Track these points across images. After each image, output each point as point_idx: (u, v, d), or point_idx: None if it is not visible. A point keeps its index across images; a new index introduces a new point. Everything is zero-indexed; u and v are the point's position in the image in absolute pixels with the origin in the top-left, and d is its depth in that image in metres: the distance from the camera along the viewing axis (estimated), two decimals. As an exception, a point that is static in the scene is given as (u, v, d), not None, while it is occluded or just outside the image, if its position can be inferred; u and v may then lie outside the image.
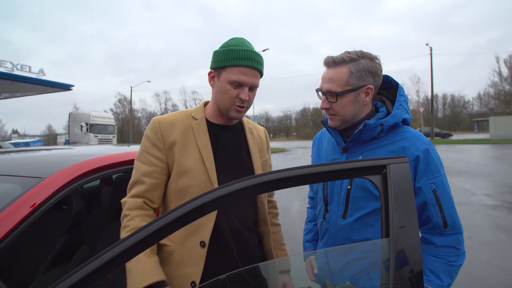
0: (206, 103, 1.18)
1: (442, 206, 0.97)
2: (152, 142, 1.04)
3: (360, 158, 1.05)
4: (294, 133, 70.25)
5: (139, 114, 61.89)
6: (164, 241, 1.06)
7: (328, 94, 1.05)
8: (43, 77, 16.86)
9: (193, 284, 1.00)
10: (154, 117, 1.08)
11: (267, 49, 27.27)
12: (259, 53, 1.07)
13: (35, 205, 0.91)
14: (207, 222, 1.02)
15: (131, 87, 36.26)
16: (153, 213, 1.04)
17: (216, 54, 1.07)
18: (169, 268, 1.02)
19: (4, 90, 16.24)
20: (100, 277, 0.52)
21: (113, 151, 1.45)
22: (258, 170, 1.14)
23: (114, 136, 22.57)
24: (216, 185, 1.03)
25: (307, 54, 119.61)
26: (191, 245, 1.02)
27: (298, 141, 51.82)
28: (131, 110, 43.59)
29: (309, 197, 1.45)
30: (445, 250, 0.98)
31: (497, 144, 20.97)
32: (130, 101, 39.91)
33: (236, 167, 1.11)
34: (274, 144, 38.56)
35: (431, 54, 27.64)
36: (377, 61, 1.06)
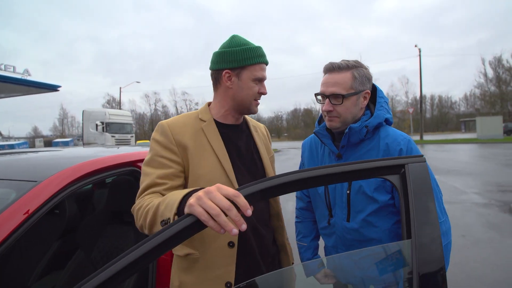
0: (209, 104, 1.17)
1: None
2: (165, 146, 1.01)
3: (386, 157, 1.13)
4: (285, 134, 70.56)
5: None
6: (186, 250, 1.03)
7: (332, 97, 1.12)
8: (28, 78, 16.50)
9: (228, 285, 1.00)
10: (160, 121, 1.07)
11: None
12: None
13: (29, 212, 0.86)
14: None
15: (120, 88, 35.82)
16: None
17: (232, 54, 1.06)
18: (196, 274, 1.01)
19: (-12, 91, 15.83)
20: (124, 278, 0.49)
21: (108, 153, 1.40)
22: (268, 167, 1.17)
23: (132, 136, 20.45)
24: (236, 186, 1.02)
25: (299, 55, 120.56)
26: (218, 247, 1.01)
27: (289, 141, 52.05)
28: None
29: (297, 208, 1.44)
30: None
31: (484, 144, 21.47)
32: (119, 102, 39.40)
33: (249, 166, 1.13)
34: (266, 145, 38.46)
35: (420, 55, 28.17)
36: (367, 70, 1.18)
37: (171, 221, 0.70)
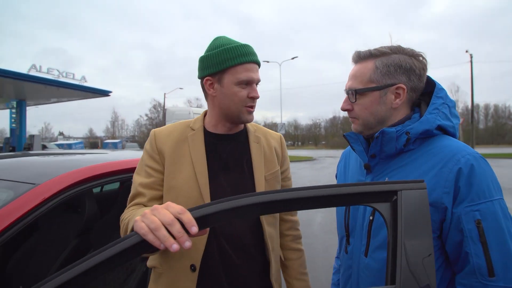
0: (205, 113, 1.09)
1: (488, 244, 0.71)
2: (149, 154, 1.00)
3: (386, 179, 0.86)
4: (323, 142, 68.84)
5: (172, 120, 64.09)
6: (152, 261, 0.98)
7: (349, 93, 0.90)
8: (85, 84, 18.15)
9: None
10: (152, 129, 1.04)
11: (296, 57, 27.19)
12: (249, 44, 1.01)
13: (22, 213, 0.88)
14: (198, 242, 0.92)
15: (164, 93, 37.76)
16: None
17: (209, 58, 0.98)
18: None
19: (52, 95, 17.70)
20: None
21: (114, 158, 1.42)
22: (260, 185, 1.01)
23: None
24: (208, 201, 0.94)
25: (339, 61, 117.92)
26: (180, 268, 0.93)
27: (327, 150, 50.71)
28: (164, 116, 45.33)
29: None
30: None
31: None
32: (163, 107, 41.51)
33: (234, 181, 1.00)
34: (302, 153, 38.04)
35: (471, 61, 25.92)
36: (420, 58, 0.87)
37: None
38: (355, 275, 0.91)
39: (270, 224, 1.03)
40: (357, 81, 0.89)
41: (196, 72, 1.05)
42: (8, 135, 19.10)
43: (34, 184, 1.00)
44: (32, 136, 17.59)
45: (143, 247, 0.51)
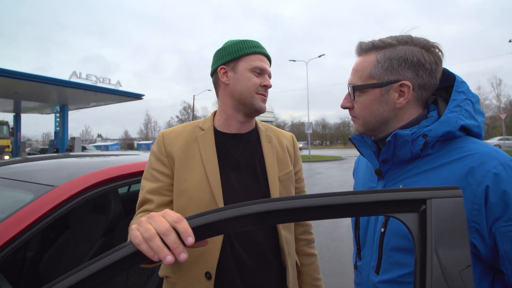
0: (215, 113, 1.07)
1: None
2: (157, 157, 0.96)
3: (400, 187, 0.75)
4: (353, 141, 66.75)
5: (201, 121, 65.61)
6: (164, 271, 0.96)
7: (349, 89, 0.81)
8: (120, 88, 19.13)
9: None
10: (160, 131, 1.01)
11: (323, 54, 26.62)
12: None
13: (40, 214, 0.90)
14: (212, 248, 0.89)
15: (194, 95, 38.76)
16: None
17: (225, 49, 1.01)
18: None
19: (91, 99, 18.89)
20: None
21: (132, 160, 1.43)
22: (274, 186, 0.97)
23: None
24: (220, 204, 0.90)
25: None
26: (195, 276, 0.89)
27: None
28: (194, 117, 46.51)
29: None
30: None
31: None
32: (193, 109, 42.63)
33: (247, 182, 0.96)
34: (330, 152, 37.21)
35: (519, 52, 23.76)
36: (434, 49, 0.75)
37: None
38: None
39: (285, 228, 0.99)
40: (357, 76, 0.79)
41: None
42: (53, 137, 20.62)
43: (52, 186, 1.02)
44: (73, 139, 18.85)
45: (139, 257, 0.48)
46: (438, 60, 0.75)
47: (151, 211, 0.88)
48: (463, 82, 0.77)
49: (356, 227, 0.87)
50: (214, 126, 1.02)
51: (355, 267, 0.87)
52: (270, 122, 19.11)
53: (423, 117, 0.77)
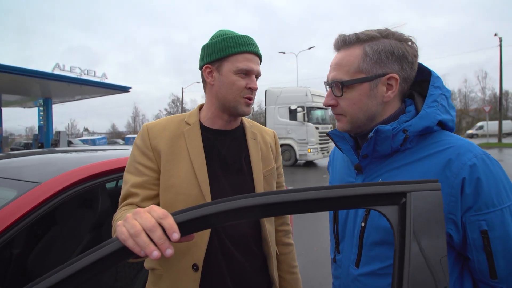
0: (201, 106, 1.06)
1: (493, 254, 0.66)
2: (141, 151, 0.94)
3: (380, 181, 0.76)
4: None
5: (189, 114, 64.95)
6: (151, 263, 0.96)
7: (333, 85, 0.78)
8: (106, 81, 18.69)
9: None
10: (144, 124, 0.99)
11: (313, 47, 26.64)
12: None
13: (25, 211, 0.88)
14: (200, 241, 0.90)
15: (182, 88, 38.33)
16: None
17: (210, 46, 0.97)
18: None
19: (75, 92, 18.38)
20: None
21: (119, 155, 1.41)
22: (259, 182, 1.00)
23: (330, 127, 13.16)
24: (209, 199, 0.91)
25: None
26: (182, 268, 0.90)
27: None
28: (183, 110, 46.01)
29: None
30: None
31: None
32: (181, 102, 42.17)
33: (233, 178, 0.98)
34: (320, 145, 37.37)
35: (500, 45, 24.36)
36: (410, 43, 0.77)
37: None
38: (344, 287, 0.83)
39: (268, 221, 1.03)
40: (343, 71, 0.76)
41: None
42: (37, 132, 20.06)
43: (37, 182, 1.00)
44: (58, 133, 18.37)
45: (125, 253, 0.48)
46: (415, 52, 0.77)
47: (136, 205, 0.89)
48: (438, 77, 0.79)
49: (335, 221, 0.88)
50: (200, 121, 1.01)
51: (334, 260, 0.89)
52: (326, 110, 12.86)
53: (401, 112, 0.79)
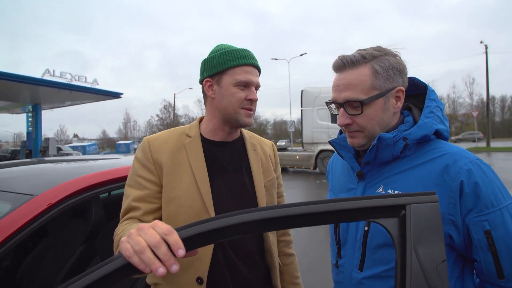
0: (201, 119, 1.07)
1: (498, 253, 0.70)
2: (142, 164, 0.94)
3: (381, 187, 0.82)
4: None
5: (182, 120, 64.88)
6: (154, 279, 0.95)
7: (348, 105, 0.81)
8: (97, 86, 18.49)
9: None
10: (145, 137, 0.99)
11: (305, 53, 26.96)
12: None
13: (20, 225, 0.87)
14: (204, 254, 0.90)
15: (174, 94, 38.16)
16: None
17: (210, 60, 0.99)
18: None
19: (65, 98, 18.12)
20: None
21: (112, 165, 1.40)
22: (260, 193, 1.01)
23: None
24: (212, 212, 0.92)
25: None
26: (186, 282, 0.89)
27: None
28: (175, 116, 45.78)
29: None
30: None
31: None
32: (173, 107, 41.97)
33: (235, 190, 0.99)
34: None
35: (486, 52, 25.08)
36: (398, 58, 0.83)
37: None
38: None
39: (271, 232, 1.04)
40: (357, 90, 0.79)
41: None
42: (25, 138, 19.68)
43: (32, 195, 0.98)
44: (47, 139, 18.06)
45: (130, 269, 0.48)
46: (405, 67, 0.85)
47: (137, 219, 0.89)
48: (433, 91, 0.86)
49: (336, 226, 0.91)
50: (200, 133, 1.02)
51: (336, 266, 0.91)
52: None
53: (401, 122, 0.85)
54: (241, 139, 1.08)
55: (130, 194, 0.92)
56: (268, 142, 1.16)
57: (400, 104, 0.83)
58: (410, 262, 0.46)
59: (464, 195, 0.71)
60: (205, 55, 1.03)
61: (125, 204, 0.92)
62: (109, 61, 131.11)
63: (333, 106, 0.86)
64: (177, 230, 0.49)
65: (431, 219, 0.49)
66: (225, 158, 1.00)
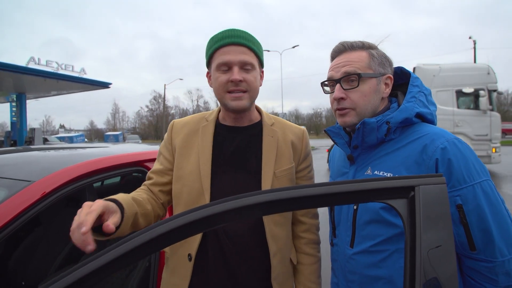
0: None
1: (469, 225, 0.74)
2: (165, 143, 1.05)
3: (369, 169, 0.88)
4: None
5: (172, 111, 64.11)
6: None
7: (345, 79, 0.86)
8: (84, 76, 18.01)
9: None
10: (173, 120, 1.08)
11: (297, 45, 26.83)
12: (251, 33, 0.97)
13: (17, 212, 0.85)
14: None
15: (165, 84, 37.54)
16: (152, 197, 0.98)
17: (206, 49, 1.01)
18: (168, 272, 1.01)
19: (51, 88, 17.61)
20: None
21: (114, 152, 1.38)
22: (266, 181, 0.96)
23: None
24: (207, 194, 0.94)
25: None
26: (180, 255, 0.97)
27: (328, 139, 50.41)
28: (165, 107, 45.15)
29: None
30: (478, 276, 0.77)
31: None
32: (164, 99, 41.35)
33: (237, 175, 0.97)
34: (303, 142, 37.74)
35: (474, 47, 25.51)
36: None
37: None
38: (341, 267, 0.91)
39: (277, 224, 0.97)
40: (356, 65, 0.86)
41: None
42: (9, 128, 19.09)
43: (30, 181, 0.96)
44: (33, 130, 17.57)
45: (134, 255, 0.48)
46: (391, 60, 0.94)
47: (147, 187, 1.01)
48: (416, 78, 0.92)
49: (332, 208, 0.98)
50: (218, 118, 1.05)
51: (332, 244, 0.98)
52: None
53: (387, 108, 0.92)
54: (259, 124, 1.04)
55: (153, 166, 1.05)
56: (296, 129, 1.07)
57: (388, 90, 0.90)
58: (420, 242, 0.48)
59: (439, 172, 0.75)
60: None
61: (148, 173, 1.05)
62: (98, 51, 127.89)
63: (326, 87, 0.94)
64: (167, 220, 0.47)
65: (439, 200, 0.50)
66: (233, 143, 1.00)
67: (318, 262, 1.07)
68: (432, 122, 0.88)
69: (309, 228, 1.07)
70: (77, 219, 0.64)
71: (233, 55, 0.91)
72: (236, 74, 0.90)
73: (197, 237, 0.94)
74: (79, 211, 0.66)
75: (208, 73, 1.02)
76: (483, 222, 0.73)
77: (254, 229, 0.95)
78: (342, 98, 0.87)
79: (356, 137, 0.87)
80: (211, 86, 1.00)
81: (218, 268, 0.93)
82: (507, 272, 0.74)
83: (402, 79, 0.95)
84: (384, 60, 0.90)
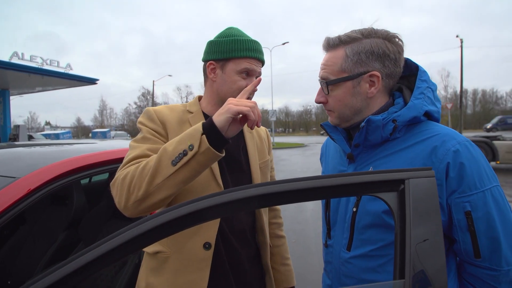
0: (200, 98, 1.10)
1: (477, 233, 0.71)
2: (152, 127, 0.94)
3: (371, 169, 0.82)
4: (314, 128, 69.27)
5: (161, 108, 63.07)
6: (155, 247, 0.95)
7: (322, 84, 0.84)
8: (70, 72, 17.57)
9: None
10: (147, 107, 1.01)
11: (287, 42, 26.87)
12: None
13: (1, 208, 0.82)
14: (211, 221, 0.93)
15: (153, 81, 37.04)
16: None
17: (218, 44, 0.99)
18: (165, 276, 0.92)
19: (36, 84, 17.11)
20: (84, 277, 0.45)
21: (102, 148, 1.35)
22: (255, 172, 1.05)
23: None
24: (220, 182, 0.95)
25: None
26: (192, 247, 0.91)
27: (317, 136, 51.04)
28: (153, 104, 44.56)
29: None
30: (479, 283, 0.74)
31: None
32: (152, 95, 40.82)
33: (234, 167, 1.02)
34: (293, 139, 38.20)
35: (461, 46, 26.02)
36: (395, 40, 0.81)
37: (197, 146, 0.76)
38: (336, 269, 0.87)
39: (264, 212, 1.08)
40: (329, 70, 0.82)
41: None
42: (-8, 125, 18.51)
43: (14, 177, 0.93)
44: (17, 127, 17.05)
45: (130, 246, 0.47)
46: (400, 49, 0.82)
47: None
48: (425, 72, 0.84)
49: (327, 208, 0.92)
50: (201, 110, 1.04)
51: (326, 245, 0.92)
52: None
53: (391, 104, 0.84)
54: None
55: (141, 146, 0.90)
56: (262, 128, 1.20)
57: (374, 90, 0.81)
58: (410, 235, 0.48)
59: (450, 176, 0.72)
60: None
61: (136, 152, 0.88)
62: (87, 46, 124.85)
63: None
64: (188, 203, 0.48)
65: (428, 193, 0.51)
66: None
67: (286, 241, 1.24)
68: (438, 120, 0.83)
69: (277, 214, 1.23)
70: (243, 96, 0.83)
71: (257, 67, 1.01)
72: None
73: (214, 224, 0.92)
74: (238, 99, 0.81)
75: (211, 64, 1.00)
76: (491, 230, 0.70)
77: (249, 215, 1.04)
78: (322, 102, 0.86)
79: (359, 135, 0.81)
80: (213, 78, 1.01)
81: (237, 250, 0.97)
82: (511, 281, 0.71)
83: (405, 71, 0.86)
84: (365, 55, 0.79)
